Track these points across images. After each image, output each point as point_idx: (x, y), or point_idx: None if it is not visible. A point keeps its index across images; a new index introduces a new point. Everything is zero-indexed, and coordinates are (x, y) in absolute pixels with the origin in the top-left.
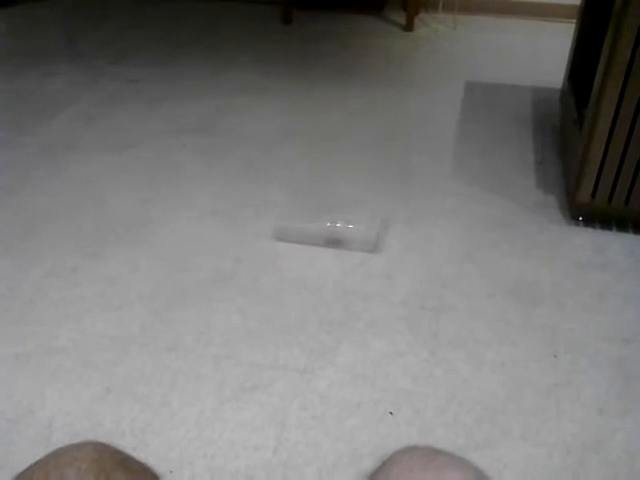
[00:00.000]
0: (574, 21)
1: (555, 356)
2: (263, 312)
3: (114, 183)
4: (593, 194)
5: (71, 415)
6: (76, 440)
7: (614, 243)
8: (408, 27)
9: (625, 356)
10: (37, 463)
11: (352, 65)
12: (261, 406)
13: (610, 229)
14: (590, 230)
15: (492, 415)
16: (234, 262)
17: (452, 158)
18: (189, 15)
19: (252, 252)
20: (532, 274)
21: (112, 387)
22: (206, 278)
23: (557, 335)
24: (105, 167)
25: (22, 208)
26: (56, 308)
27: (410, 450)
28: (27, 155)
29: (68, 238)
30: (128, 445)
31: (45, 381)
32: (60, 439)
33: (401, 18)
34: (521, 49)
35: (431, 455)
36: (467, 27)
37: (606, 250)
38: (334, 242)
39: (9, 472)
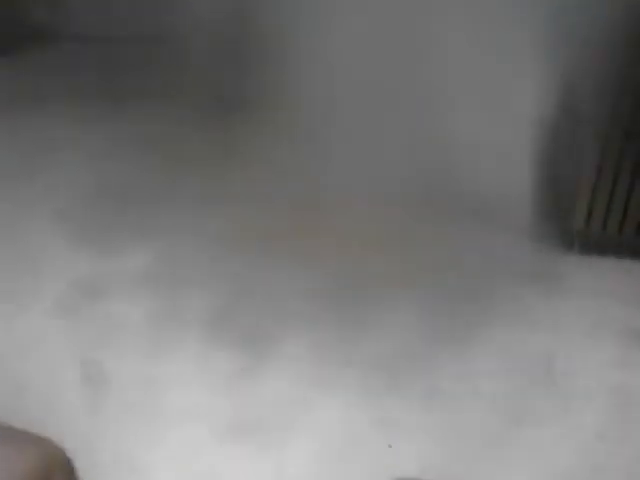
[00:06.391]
0: None
1: (553, 383)
2: None
3: None
4: (587, 221)
5: None
6: None
7: (610, 270)
8: None
9: (624, 382)
10: None
11: None
12: (259, 438)
13: (606, 255)
14: (586, 257)
15: (490, 442)
16: None
17: None
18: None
19: None
20: (529, 301)
21: None
22: None
23: (555, 362)
24: None
25: None
26: None
27: None
28: None
29: None
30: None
31: None
32: None
33: None
34: None
35: None
36: None
37: (602, 277)
38: None
39: None
